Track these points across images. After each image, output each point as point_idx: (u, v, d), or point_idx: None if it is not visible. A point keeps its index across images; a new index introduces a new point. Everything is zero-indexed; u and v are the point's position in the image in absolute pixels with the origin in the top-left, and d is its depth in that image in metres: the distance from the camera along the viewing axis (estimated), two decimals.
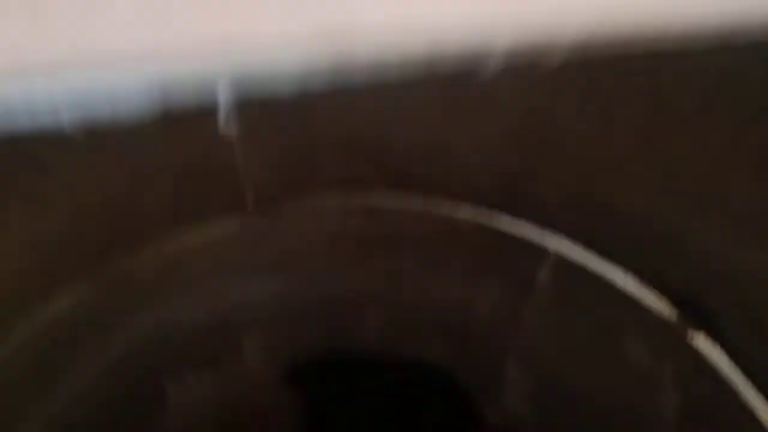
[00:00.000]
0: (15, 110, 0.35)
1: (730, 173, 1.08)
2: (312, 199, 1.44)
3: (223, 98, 0.45)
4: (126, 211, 1.28)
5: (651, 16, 0.38)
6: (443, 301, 1.64)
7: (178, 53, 0.36)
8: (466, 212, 1.43)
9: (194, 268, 1.45)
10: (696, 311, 1.20)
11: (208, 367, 1.71)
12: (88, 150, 1.13)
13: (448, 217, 1.43)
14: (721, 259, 1.15)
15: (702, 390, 1.22)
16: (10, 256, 1.16)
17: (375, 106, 1.18)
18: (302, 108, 1.12)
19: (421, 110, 1.22)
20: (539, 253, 1.38)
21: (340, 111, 1.19)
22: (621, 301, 1.29)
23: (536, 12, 0.38)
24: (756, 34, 0.46)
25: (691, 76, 0.91)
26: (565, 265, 1.36)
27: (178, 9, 0.36)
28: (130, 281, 1.36)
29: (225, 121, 0.97)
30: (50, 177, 1.14)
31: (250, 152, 1.29)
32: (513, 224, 1.41)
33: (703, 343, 1.21)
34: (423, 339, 1.79)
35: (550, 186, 1.30)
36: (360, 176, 1.42)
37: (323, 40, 0.37)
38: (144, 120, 0.44)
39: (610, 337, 1.35)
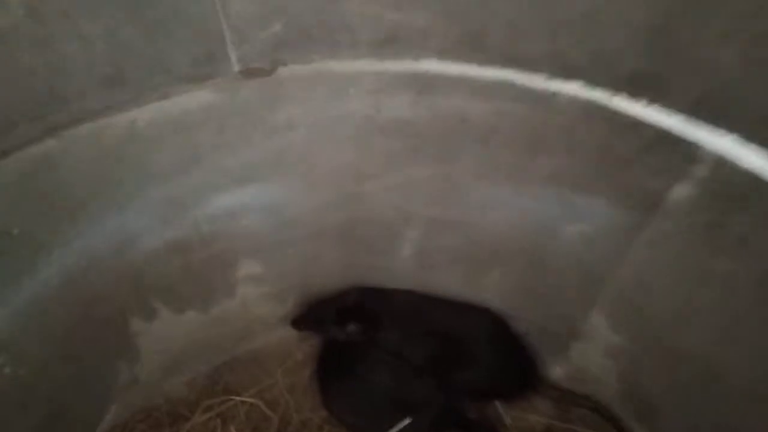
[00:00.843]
0: None
1: None
2: (328, 61, 1.01)
3: None
4: (57, 65, 0.84)
5: None
6: (511, 221, 1.27)
7: None
8: (571, 89, 0.97)
9: (156, 155, 1.03)
10: None
11: (191, 300, 1.37)
12: None
13: (541, 93, 0.98)
14: None
15: None
16: None
17: None
18: None
19: None
20: (683, 153, 0.93)
21: None
22: None
23: None
24: None
25: None
26: (724, 175, 0.91)
27: None
28: (61, 165, 0.94)
29: None
30: None
31: None
32: (645, 110, 0.94)
33: None
34: (475, 273, 1.45)
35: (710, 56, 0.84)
36: (408, 32, 0.95)
37: None
38: None
39: None
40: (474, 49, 0.98)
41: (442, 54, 1.00)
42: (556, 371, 1.52)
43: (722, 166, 0.90)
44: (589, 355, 1.41)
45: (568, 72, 0.95)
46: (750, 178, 0.89)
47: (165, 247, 1.19)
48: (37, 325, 1.07)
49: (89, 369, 1.26)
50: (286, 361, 1.60)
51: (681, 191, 0.99)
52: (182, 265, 1.25)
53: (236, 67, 0.96)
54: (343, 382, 1.49)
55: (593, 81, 0.95)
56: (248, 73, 0.95)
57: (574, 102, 0.98)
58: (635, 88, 0.92)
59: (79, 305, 1.14)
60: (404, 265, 1.49)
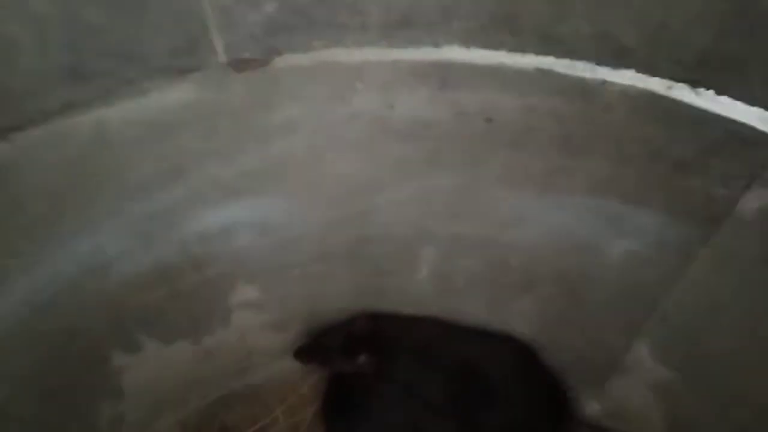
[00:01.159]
0: None
1: None
2: (331, 49, 0.90)
3: None
4: (3, 52, 0.72)
5: None
6: (546, 238, 1.17)
7: None
8: (621, 78, 0.85)
9: (132, 164, 0.91)
10: None
11: (180, 331, 1.27)
12: None
13: (585, 85, 0.86)
14: None
15: None
16: None
17: None
18: None
19: None
20: (758, 155, 0.82)
21: None
22: None
23: None
24: None
25: None
26: None
27: None
28: (15, 176, 0.82)
29: None
30: None
31: None
32: (713, 102, 0.82)
33: None
34: (502, 298, 1.36)
35: None
36: (427, 12, 0.87)
37: None
38: None
39: None
40: (505, 31, 0.85)
41: (468, 39, 0.88)
42: (593, 407, 1.45)
43: None
44: (631, 390, 1.33)
45: (618, 57, 0.82)
46: None
47: (148, 272, 1.09)
48: None
49: (65, 409, 1.16)
50: (288, 397, 1.53)
51: (753, 201, 0.88)
52: (169, 291, 1.15)
53: (223, 57, 0.83)
54: (351, 420, 1.41)
55: (650, 68, 0.82)
56: (238, 65, 0.83)
57: (625, 94, 0.85)
58: (702, 75, 0.79)
59: (49, 339, 1.03)
60: (421, 288, 1.42)
